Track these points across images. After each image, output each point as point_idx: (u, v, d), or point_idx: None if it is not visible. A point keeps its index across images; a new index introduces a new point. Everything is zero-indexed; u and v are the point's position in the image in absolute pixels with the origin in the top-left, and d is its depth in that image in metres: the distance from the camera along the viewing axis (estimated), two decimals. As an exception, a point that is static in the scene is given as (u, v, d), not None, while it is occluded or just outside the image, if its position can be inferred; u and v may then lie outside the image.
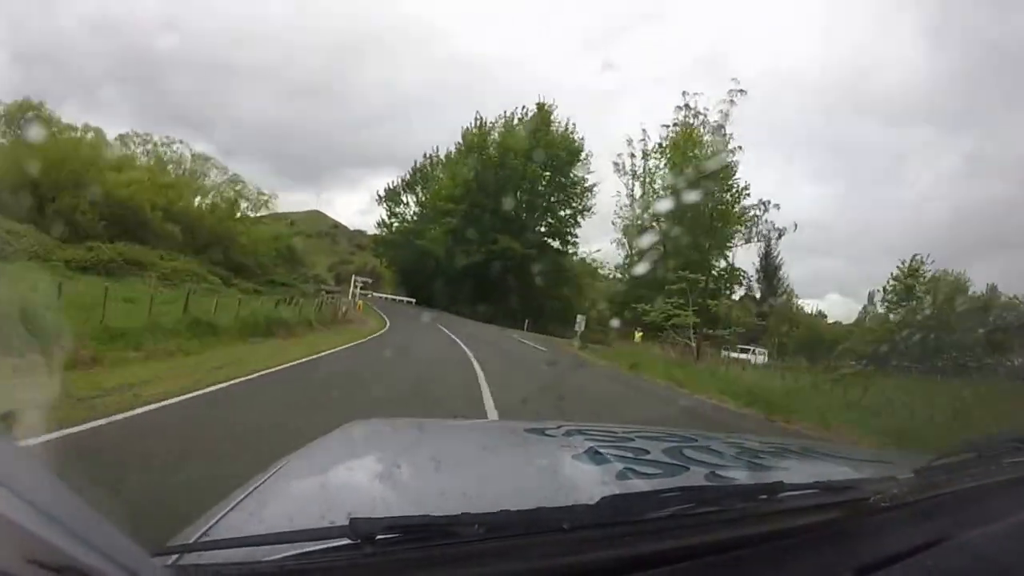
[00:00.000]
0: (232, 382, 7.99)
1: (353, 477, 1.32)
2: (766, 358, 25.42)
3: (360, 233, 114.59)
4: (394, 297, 45.35)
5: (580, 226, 46.58)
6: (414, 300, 43.04)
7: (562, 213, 47.19)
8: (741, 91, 28.80)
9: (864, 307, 31.58)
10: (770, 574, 0.84)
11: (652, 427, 1.99)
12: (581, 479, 1.24)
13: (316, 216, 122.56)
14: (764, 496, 0.95)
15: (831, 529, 0.91)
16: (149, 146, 36.97)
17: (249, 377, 8.58)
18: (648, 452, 1.36)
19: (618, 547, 0.78)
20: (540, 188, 46.29)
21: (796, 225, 29.94)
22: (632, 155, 35.11)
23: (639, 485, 1.10)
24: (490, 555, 0.76)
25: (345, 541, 0.73)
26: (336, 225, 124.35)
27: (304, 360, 11.59)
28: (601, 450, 1.35)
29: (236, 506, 1.00)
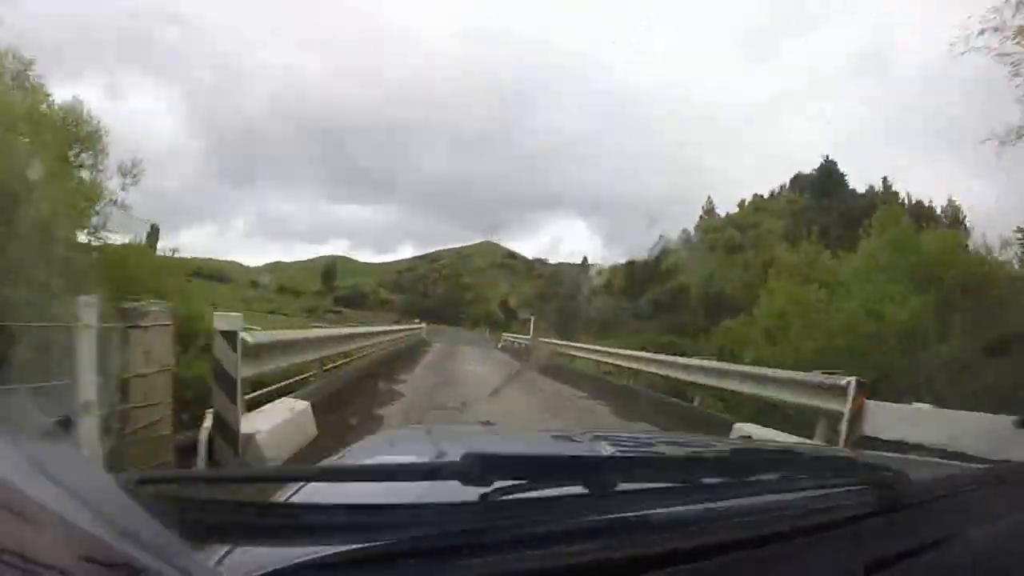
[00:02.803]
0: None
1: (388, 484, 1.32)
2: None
3: (540, 262, 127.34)
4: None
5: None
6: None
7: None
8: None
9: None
10: (776, 572, 0.85)
11: (674, 434, 2.27)
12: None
13: (489, 248, 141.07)
14: (771, 497, 0.97)
15: (835, 530, 0.91)
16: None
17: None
18: (663, 455, 1.47)
19: (621, 546, 0.79)
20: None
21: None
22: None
23: (647, 485, 1.06)
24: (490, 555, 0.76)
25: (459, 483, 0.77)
26: (512, 255, 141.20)
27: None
28: (619, 455, 1.41)
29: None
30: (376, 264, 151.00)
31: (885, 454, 1.69)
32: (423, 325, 29.52)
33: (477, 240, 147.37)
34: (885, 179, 59.49)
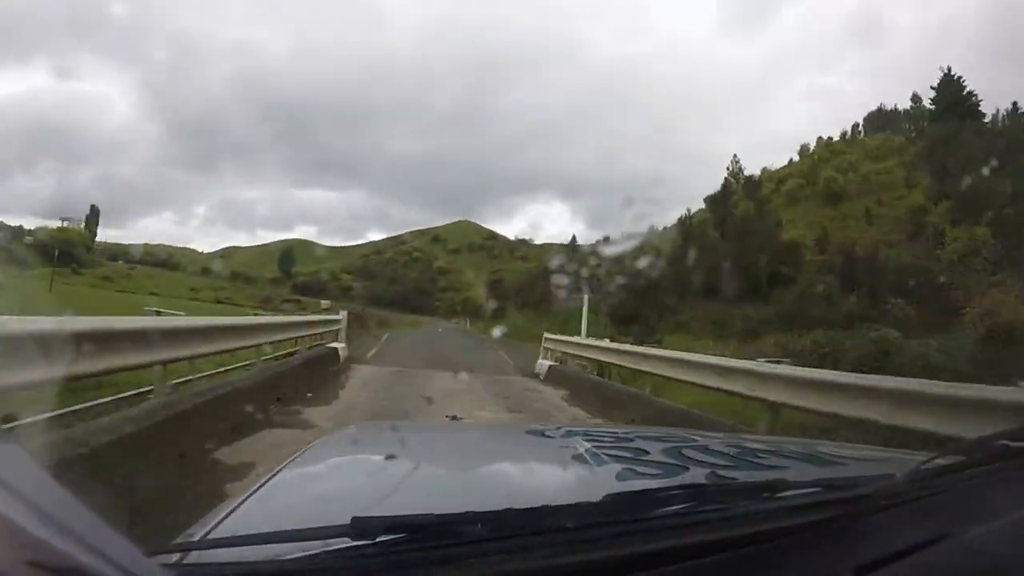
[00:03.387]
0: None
1: (354, 478, 1.35)
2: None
3: (524, 243, 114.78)
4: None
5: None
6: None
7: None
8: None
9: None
10: (771, 572, 0.85)
11: (651, 428, 2.02)
12: (582, 479, 1.28)
13: (466, 227, 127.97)
14: (765, 495, 0.96)
15: (832, 527, 0.91)
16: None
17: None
18: (648, 452, 1.38)
19: (621, 546, 0.80)
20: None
21: None
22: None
23: (640, 485, 1.08)
24: (493, 554, 0.77)
25: (347, 541, 0.75)
26: (493, 236, 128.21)
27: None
28: (601, 451, 1.38)
29: (238, 507, 1.03)
30: (340, 248, 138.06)
31: (884, 450, 1.84)
32: (341, 319, 13.59)
33: (453, 219, 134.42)
34: (1015, 104, 49.03)
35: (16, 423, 2.91)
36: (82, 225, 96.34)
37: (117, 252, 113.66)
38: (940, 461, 1.11)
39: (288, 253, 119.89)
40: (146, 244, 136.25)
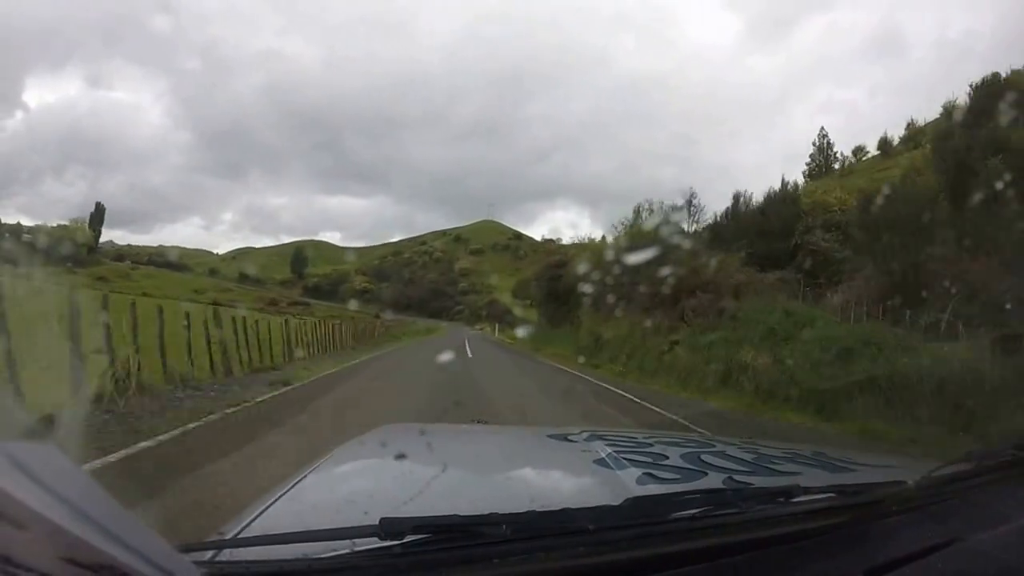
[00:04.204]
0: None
1: (383, 479, 1.34)
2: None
3: (551, 243, 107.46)
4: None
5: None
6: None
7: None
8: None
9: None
10: (785, 574, 0.86)
11: (671, 433, 2.30)
12: (603, 483, 1.25)
13: (489, 227, 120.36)
14: (780, 499, 0.97)
15: (844, 532, 0.93)
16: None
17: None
18: (667, 457, 1.40)
19: (640, 547, 0.81)
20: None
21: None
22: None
23: (659, 489, 1.12)
24: (516, 555, 0.78)
25: (375, 541, 0.76)
26: (518, 236, 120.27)
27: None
28: (622, 455, 1.37)
29: (269, 506, 1.04)
30: (357, 249, 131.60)
31: (895, 457, 1.85)
32: None
33: (476, 220, 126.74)
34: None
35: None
36: (86, 224, 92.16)
37: (128, 253, 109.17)
38: (950, 468, 1.12)
39: (301, 254, 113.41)
40: (160, 246, 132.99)
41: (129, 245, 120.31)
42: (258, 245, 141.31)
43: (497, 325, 51.99)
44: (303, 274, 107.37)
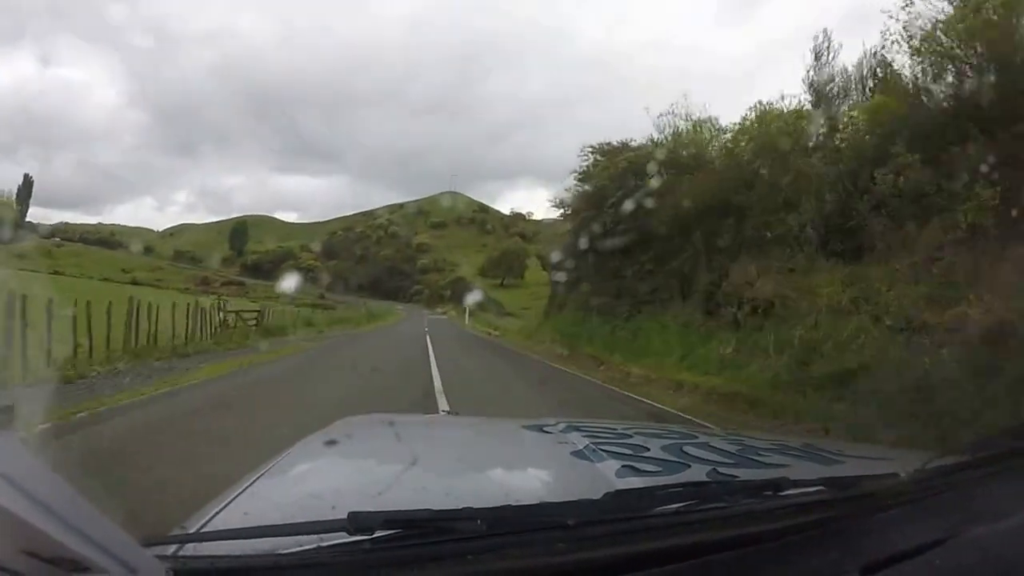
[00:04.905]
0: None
1: (351, 472, 1.33)
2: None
3: (520, 218, 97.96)
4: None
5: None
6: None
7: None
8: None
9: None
10: (775, 571, 0.83)
11: (650, 424, 2.14)
12: (581, 476, 1.21)
13: (452, 200, 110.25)
14: (768, 493, 0.94)
15: (836, 526, 0.90)
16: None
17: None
18: (647, 449, 1.36)
19: (622, 543, 0.79)
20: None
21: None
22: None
23: (640, 482, 1.08)
24: (491, 551, 0.75)
25: (343, 536, 0.73)
26: (483, 208, 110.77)
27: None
28: (600, 447, 1.34)
29: (234, 499, 1.01)
30: (305, 225, 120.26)
31: (887, 449, 1.79)
32: None
33: (435, 192, 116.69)
34: None
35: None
36: (12, 199, 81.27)
37: (63, 231, 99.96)
38: (944, 460, 1.09)
39: (241, 229, 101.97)
40: (99, 224, 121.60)
41: (65, 223, 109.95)
42: (198, 221, 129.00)
43: (467, 309, 42.85)
44: (242, 251, 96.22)
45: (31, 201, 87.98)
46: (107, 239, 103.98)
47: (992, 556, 0.84)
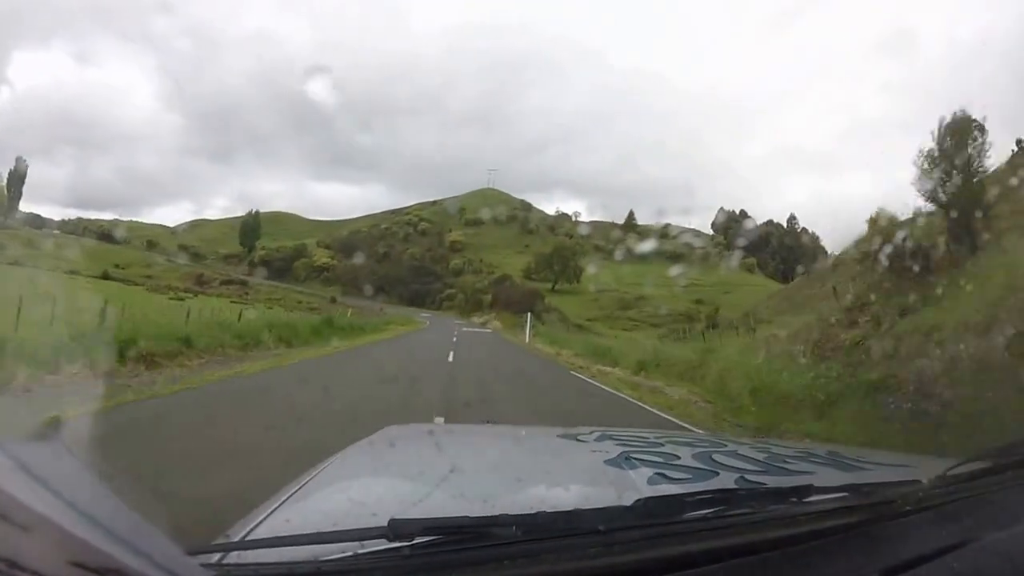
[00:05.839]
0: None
1: (391, 480, 1.34)
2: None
3: (566, 218, 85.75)
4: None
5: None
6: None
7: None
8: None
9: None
10: (799, 575, 0.85)
11: (681, 432, 2.38)
12: (614, 483, 1.24)
13: (491, 196, 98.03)
14: (793, 499, 0.96)
15: (858, 532, 0.92)
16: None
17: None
18: (678, 457, 1.38)
19: (652, 548, 0.81)
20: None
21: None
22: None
23: (671, 489, 1.10)
24: (526, 556, 0.77)
25: (384, 543, 0.75)
26: (527, 206, 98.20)
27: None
28: (633, 455, 1.36)
29: (277, 508, 1.04)
30: (326, 222, 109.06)
31: (908, 456, 1.70)
32: None
33: (473, 189, 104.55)
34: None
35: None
36: (3, 184, 72.82)
37: (77, 227, 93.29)
38: (965, 467, 1.10)
39: (252, 224, 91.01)
40: (115, 219, 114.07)
41: (79, 218, 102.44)
42: (212, 217, 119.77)
43: (529, 318, 29.40)
44: (253, 247, 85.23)
45: (28, 193, 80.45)
46: (109, 233, 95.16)
47: (1011, 561, 0.85)
